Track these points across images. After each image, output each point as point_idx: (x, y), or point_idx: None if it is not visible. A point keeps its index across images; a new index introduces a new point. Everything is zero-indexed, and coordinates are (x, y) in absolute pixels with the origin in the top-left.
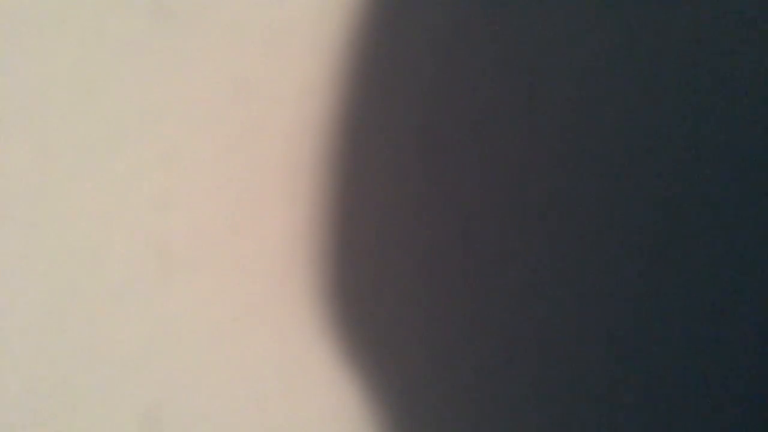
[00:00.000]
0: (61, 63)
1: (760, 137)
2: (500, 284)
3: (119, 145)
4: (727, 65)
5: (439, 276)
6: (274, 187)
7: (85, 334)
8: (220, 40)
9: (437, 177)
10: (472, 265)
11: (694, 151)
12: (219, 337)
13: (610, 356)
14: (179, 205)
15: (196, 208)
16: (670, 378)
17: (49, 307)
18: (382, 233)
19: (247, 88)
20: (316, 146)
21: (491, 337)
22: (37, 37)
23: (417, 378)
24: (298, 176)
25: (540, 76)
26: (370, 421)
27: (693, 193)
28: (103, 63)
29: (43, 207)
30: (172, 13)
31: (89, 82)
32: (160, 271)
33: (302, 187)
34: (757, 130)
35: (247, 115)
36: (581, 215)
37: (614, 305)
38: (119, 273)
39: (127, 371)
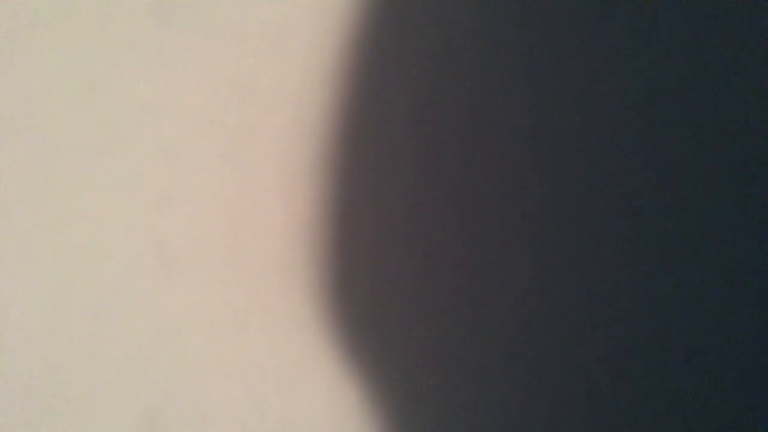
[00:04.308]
0: (61, 62)
1: (760, 137)
2: (501, 284)
3: (119, 144)
4: (727, 65)
5: (439, 275)
6: (274, 186)
7: (85, 334)
8: (220, 39)
9: (437, 177)
10: (472, 265)
11: (694, 150)
12: (219, 337)
13: (611, 356)
14: (179, 204)
15: (196, 207)
16: (671, 378)
17: (49, 307)
18: (382, 233)
19: (247, 88)
20: (316, 146)
21: (492, 336)
22: (38, 37)
23: (417, 378)
24: (297, 176)
25: (540, 75)
26: (370, 421)
27: (694, 192)
28: (103, 62)
29: (42, 206)
30: (172, 12)
31: (89, 81)
32: (160, 270)
33: (302, 187)
34: (757, 130)
35: (246, 115)
36: (582, 214)
37: (615, 304)
38: (119, 272)
39: (127, 371)
